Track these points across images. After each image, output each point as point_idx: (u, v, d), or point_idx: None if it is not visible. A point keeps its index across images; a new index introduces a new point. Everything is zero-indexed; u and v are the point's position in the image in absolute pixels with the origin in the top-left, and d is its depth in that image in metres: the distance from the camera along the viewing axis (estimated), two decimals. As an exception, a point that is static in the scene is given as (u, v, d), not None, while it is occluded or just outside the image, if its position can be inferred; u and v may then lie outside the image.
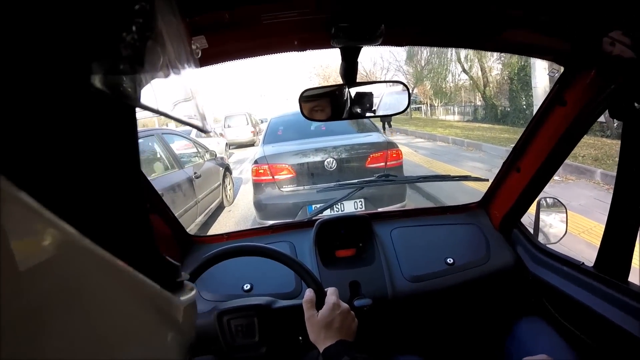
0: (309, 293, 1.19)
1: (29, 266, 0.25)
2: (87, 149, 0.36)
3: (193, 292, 0.55)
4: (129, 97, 0.33)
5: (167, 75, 0.40)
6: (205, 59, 1.17)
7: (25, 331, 0.25)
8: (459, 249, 1.84)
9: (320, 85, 1.52)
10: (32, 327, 0.25)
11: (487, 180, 2.12)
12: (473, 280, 1.75)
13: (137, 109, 0.40)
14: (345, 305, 1.18)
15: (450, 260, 1.77)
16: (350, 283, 1.67)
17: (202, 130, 0.54)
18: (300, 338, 1.23)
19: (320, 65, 39.84)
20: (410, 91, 1.49)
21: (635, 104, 1.14)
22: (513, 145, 1.69)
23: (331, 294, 1.19)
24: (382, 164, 5.13)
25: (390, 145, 5.36)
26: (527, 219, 1.90)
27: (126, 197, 0.42)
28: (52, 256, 0.27)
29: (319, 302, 1.18)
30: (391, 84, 1.68)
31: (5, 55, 0.25)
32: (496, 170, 1.85)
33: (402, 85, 1.53)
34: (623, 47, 1.02)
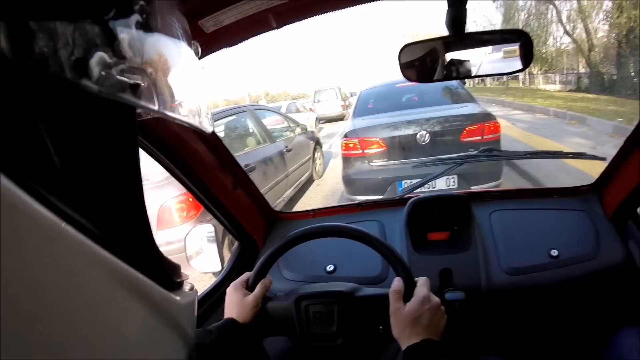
0: (397, 283, 1.08)
1: (30, 267, 0.26)
2: (87, 149, 0.36)
3: (193, 292, 0.56)
4: (129, 97, 0.34)
5: (166, 76, 0.42)
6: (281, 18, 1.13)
7: (28, 332, 0.26)
8: (565, 240, 1.62)
9: (423, 39, 1.37)
10: (35, 328, 0.26)
11: (604, 159, 1.87)
12: (578, 278, 1.54)
13: (137, 109, 0.41)
14: (436, 299, 1.06)
15: (554, 252, 1.56)
16: (442, 271, 1.54)
17: (203, 130, 0.56)
18: (381, 327, 1.14)
19: (410, 34, 39.91)
20: (532, 42, 1.26)
21: None
22: (621, 119, 1.45)
23: (422, 285, 1.08)
24: (478, 137, 4.87)
25: (488, 117, 5.08)
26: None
27: (126, 197, 0.43)
28: (53, 257, 0.28)
29: (408, 293, 1.06)
30: (507, 39, 1.46)
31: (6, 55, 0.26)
32: (601, 148, 1.62)
33: (521, 34, 1.31)
34: None
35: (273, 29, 1.16)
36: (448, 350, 1.00)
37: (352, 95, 24.80)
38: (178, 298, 0.50)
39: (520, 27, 26.98)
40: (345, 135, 5.27)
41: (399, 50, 1.27)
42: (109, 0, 0.33)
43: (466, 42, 1.21)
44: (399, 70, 1.31)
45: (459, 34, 1.13)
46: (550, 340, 1.67)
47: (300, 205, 6.92)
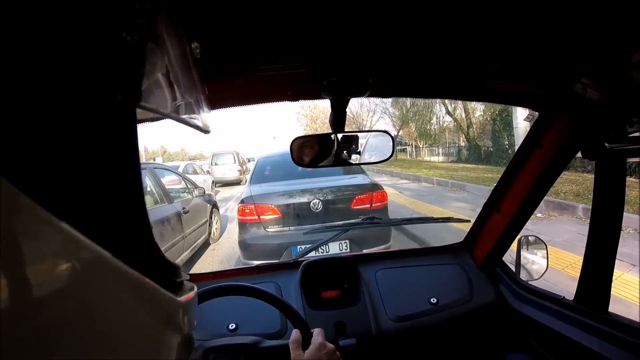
0: (295, 333, 1.21)
1: (29, 268, 0.25)
2: (87, 150, 0.35)
3: (193, 291, 0.55)
4: (130, 97, 0.33)
5: (167, 76, 0.41)
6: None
7: (38, 339, 0.25)
8: (443, 289, 1.88)
9: (310, 134, 1.64)
10: (45, 334, 0.26)
11: (470, 220, 2.18)
12: (456, 319, 1.79)
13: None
14: (331, 345, 1.19)
15: (433, 300, 1.81)
16: (336, 323, 1.68)
17: (203, 130, 0.54)
18: None
19: (309, 106, 40.26)
20: (395, 140, 1.56)
21: (606, 144, 1.21)
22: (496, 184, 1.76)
23: (317, 334, 1.21)
24: (368, 205, 5.18)
25: (376, 187, 5.42)
26: (510, 257, 1.96)
27: (126, 197, 0.42)
28: (53, 257, 0.28)
29: (305, 342, 1.19)
30: (377, 132, 1.74)
31: (6, 55, 0.25)
32: (479, 210, 1.91)
33: (387, 134, 1.59)
34: (593, 92, 1.09)
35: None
36: None
37: (249, 161, 24.66)
38: (178, 298, 0.49)
39: (408, 107, 28.69)
40: (242, 201, 5.32)
41: (291, 142, 1.49)
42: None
43: (344, 136, 1.45)
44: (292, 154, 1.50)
45: (338, 131, 1.37)
46: None
47: (197, 269, 6.68)
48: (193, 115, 0.50)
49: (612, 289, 1.38)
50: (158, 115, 0.39)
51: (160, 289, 0.43)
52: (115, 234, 0.37)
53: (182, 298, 0.50)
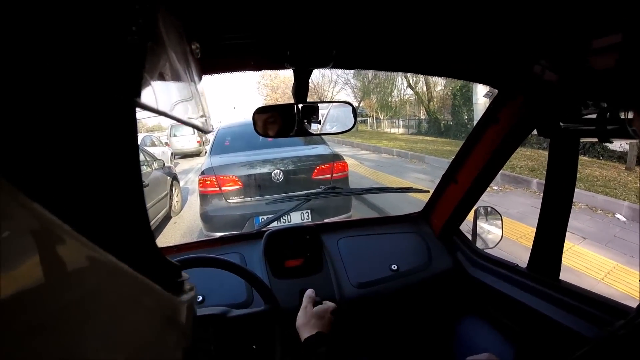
0: (310, 292, 1.39)
1: (30, 269, 0.24)
2: (87, 151, 0.35)
3: (193, 292, 0.55)
4: (130, 96, 0.33)
5: (168, 75, 0.41)
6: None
7: (37, 337, 0.24)
8: (403, 256, 1.94)
9: (273, 104, 1.64)
10: (44, 333, 0.25)
11: (428, 191, 2.24)
12: (416, 285, 1.86)
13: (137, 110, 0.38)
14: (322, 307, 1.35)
15: (394, 267, 1.87)
16: (300, 291, 1.68)
17: (203, 130, 0.55)
18: (254, 347, 1.27)
19: (269, 75, 39.72)
20: (357, 111, 1.57)
21: (560, 124, 1.27)
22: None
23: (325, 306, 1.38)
24: (328, 175, 5.22)
25: (336, 157, 5.45)
26: (466, 227, 2.03)
27: (127, 197, 0.42)
28: (54, 258, 0.27)
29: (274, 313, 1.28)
30: (339, 103, 1.75)
31: (7, 55, 0.25)
32: (437, 181, 1.96)
33: (349, 105, 1.61)
34: (550, 74, 1.13)
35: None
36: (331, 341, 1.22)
37: (209, 131, 24.48)
38: (181, 299, 0.50)
39: (370, 79, 28.60)
40: (203, 173, 5.26)
41: (253, 113, 1.49)
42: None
43: (306, 107, 1.44)
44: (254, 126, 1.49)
45: (301, 101, 1.38)
46: (404, 337, 1.97)
47: (159, 243, 6.53)
48: (192, 115, 0.51)
49: (565, 259, 1.45)
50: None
51: (161, 289, 0.43)
52: (115, 235, 0.38)
53: (184, 298, 0.51)
